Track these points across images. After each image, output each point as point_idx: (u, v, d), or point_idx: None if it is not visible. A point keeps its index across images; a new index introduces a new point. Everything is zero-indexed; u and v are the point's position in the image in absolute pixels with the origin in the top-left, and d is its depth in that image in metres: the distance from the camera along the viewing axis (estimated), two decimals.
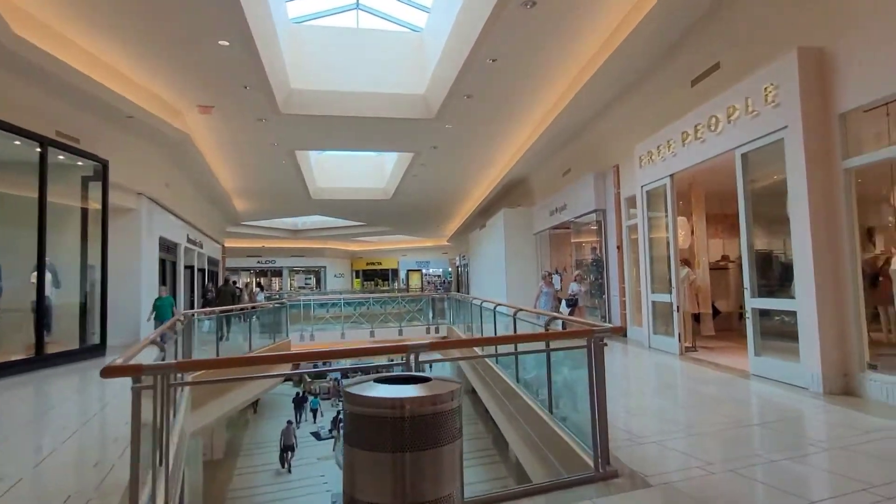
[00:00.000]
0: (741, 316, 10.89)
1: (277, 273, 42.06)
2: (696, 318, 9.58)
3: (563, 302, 10.37)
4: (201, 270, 20.32)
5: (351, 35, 13.11)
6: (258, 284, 18.69)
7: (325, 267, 42.52)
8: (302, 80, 12.35)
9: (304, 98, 12.45)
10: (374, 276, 45.86)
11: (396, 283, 44.65)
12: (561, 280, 15.20)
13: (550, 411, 5.19)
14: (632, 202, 10.64)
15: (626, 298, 10.98)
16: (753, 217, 6.93)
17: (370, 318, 15.76)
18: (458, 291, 40.92)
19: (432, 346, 3.34)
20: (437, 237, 40.77)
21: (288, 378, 25.60)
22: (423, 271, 46.27)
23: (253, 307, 12.70)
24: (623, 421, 4.83)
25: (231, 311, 11.59)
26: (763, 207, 7.04)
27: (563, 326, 8.35)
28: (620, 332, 10.89)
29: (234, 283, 31.94)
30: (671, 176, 8.59)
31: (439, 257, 45.74)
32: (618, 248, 11.27)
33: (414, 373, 2.89)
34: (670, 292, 8.61)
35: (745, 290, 6.88)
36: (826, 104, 5.78)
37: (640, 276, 9.90)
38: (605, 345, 3.61)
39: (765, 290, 6.93)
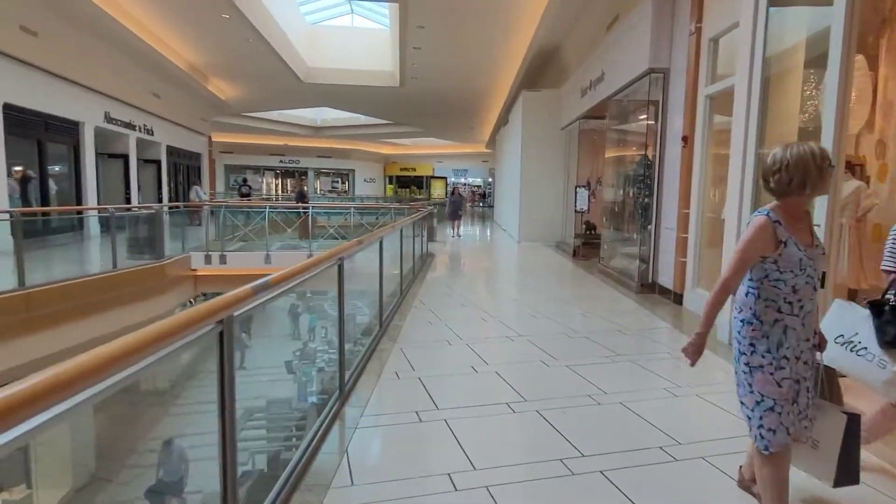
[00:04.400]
0: None
1: (304, 174, 38.07)
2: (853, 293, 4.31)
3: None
4: (153, 162, 16.17)
5: None
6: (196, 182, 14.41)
7: (353, 170, 38.11)
8: None
9: None
10: (409, 182, 41.10)
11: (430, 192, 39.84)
12: (590, 199, 9.92)
13: None
14: (724, 48, 5.17)
15: (692, 236, 5.76)
16: None
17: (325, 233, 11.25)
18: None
19: None
20: (473, 142, 35.01)
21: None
22: (463, 180, 40.89)
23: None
24: None
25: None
26: None
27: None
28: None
29: (245, 181, 28.32)
30: None
31: (479, 165, 40.11)
32: (684, 140, 5.86)
33: None
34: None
35: None
36: None
37: (731, 193, 4.62)
38: None
39: None
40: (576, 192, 10.03)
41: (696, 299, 5.58)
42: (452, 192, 14.11)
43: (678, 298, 5.96)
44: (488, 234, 18.01)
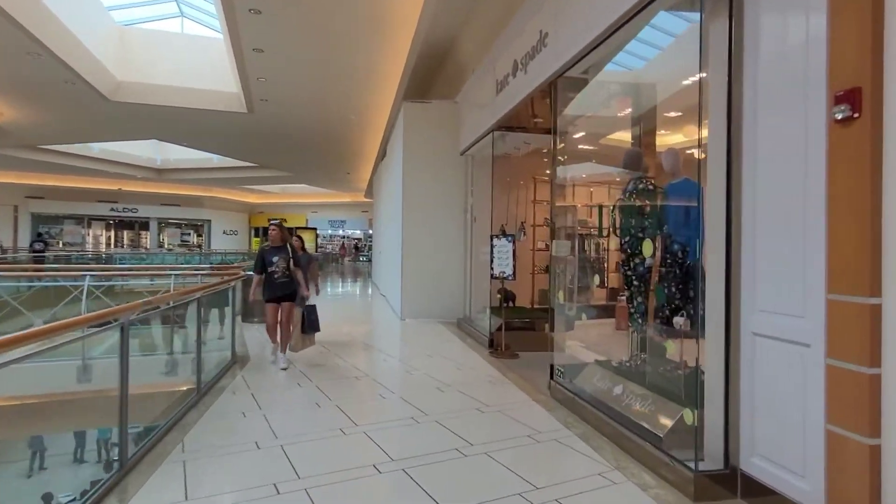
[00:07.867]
0: None
1: (144, 226, 30.82)
2: None
3: None
4: None
5: None
6: None
7: (209, 221, 31.71)
8: None
9: None
10: None
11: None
12: (514, 248, 6.06)
13: None
14: None
15: None
16: None
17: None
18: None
19: None
20: (352, 191, 30.75)
21: None
22: (342, 232, 36.38)
23: None
24: None
25: None
26: None
27: None
28: None
29: (40, 235, 21.36)
30: None
31: (358, 216, 35.85)
32: (849, 100, 2.16)
33: None
34: None
35: None
36: None
37: None
38: None
39: None
40: (491, 246, 6.13)
41: None
42: (271, 244, 5.68)
43: None
44: (361, 300, 13.58)
